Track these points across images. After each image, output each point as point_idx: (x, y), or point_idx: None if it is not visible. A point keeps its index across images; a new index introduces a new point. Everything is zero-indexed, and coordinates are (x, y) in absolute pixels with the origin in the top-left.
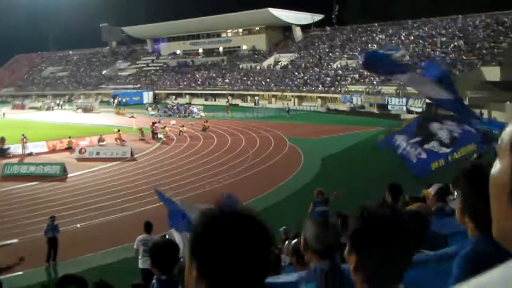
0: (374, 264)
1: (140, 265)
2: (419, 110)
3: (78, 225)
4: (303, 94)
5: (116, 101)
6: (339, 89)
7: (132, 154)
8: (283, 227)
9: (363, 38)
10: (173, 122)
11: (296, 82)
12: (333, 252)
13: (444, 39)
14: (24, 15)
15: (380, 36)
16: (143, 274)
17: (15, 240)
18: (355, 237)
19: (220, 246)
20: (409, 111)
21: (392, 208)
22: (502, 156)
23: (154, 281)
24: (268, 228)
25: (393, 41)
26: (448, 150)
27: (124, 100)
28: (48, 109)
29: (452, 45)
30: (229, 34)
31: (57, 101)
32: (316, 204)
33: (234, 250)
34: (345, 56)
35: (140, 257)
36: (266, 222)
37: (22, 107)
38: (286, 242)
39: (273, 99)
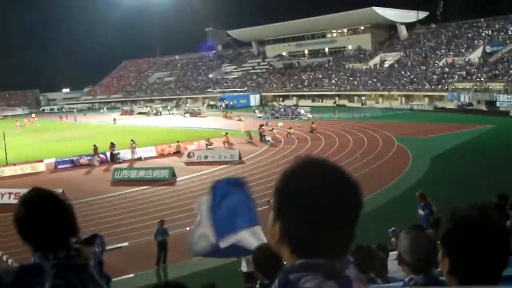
0: (466, 267)
1: (244, 269)
2: None
3: (187, 229)
4: (410, 93)
5: (223, 104)
6: (446, 87)
7: (240, 157)
8: (392, 228)
9: (469, 34)
10: (280, 124)
11: (402, 81)
12: (428, 265)
13: None
14: (130, 22)
15: (486, 32)
16: (246, 277)
17: (126, 244)
18: (446, 239)
19: (302, 203)
20: None
21: (482, 208)
22: None
23: (258, 285)
24: (355, 182)
25: (500, 37)
26: None
27: (231, 103)
28: (156, 114)
29: None
30: (334, 35)
31: (165, 106)
32: (419, 207)
33: (317, 208)
34: (451, 53)
35: (243, 261)
36: (354, 178)
37: (131, 112)
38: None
39: (380, 99)
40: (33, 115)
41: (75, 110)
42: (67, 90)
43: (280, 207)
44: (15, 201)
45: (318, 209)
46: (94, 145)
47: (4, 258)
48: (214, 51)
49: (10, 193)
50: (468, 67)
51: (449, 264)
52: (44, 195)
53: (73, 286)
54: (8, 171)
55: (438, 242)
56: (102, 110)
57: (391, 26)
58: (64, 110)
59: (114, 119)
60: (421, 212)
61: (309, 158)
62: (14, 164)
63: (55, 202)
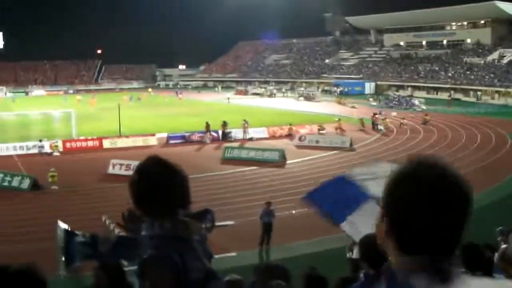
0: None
1: (354, 256)
2: None
3: (293, 212)
4: None
5: (338, 90)
6: None
7: (351, 144)
8: (500, 228)
9: None
10: (394, 113)
11: None
12: None
13: None
14: (249, 3)
15: None
16: (354, 265)
17: (232, 222)
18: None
19: (411, 202)
20: None
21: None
22: None
23: (362, 275)
24: (467, 189)
25: None
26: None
27: (345, 90)
28: (270, 95)
29: None
30: (453, 27)
31: (279, 88)
32: None
33: (426, 207)
34: None
35: (355, 247)
36: (466, 182)
37: (245, 92)
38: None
39: (496, 95)
40: (150, 89)
41: (190, 87)
42: (183, 67)
43: (390, 203)
44: (125, 172)
45: (427, 209)
46: (207, 123)
47: (111, 226)
48: (331, 37)
49: (121, 164)
50: None
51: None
52: (160, 162)
53: (170, 259)
54: (121, 143)
55: None
56: (216, 89)
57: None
58: (179, 86)
59: (228, 98)
60: None
61: (422, 159)
62: (127, 136)
63: (169, 170)
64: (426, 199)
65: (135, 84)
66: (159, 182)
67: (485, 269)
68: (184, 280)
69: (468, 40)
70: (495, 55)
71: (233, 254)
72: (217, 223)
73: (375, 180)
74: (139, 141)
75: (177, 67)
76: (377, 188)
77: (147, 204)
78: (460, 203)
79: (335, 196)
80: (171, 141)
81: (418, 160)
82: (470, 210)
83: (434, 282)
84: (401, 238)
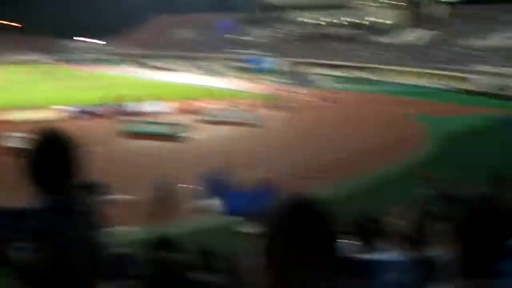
0: (474, 254)
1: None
2: None
3: (195, 186)
4: (438, 72)
5: (246, 66)
6: (473, 69)
7: (258, 120)
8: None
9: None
10: (303, 91)
11: (433, 59)
12: (422, 241)
13: None
14: None
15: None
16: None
17: (130, 196)
18: (459, 231)
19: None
20: None
21: (495, 202)
22: None
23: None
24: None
25: None
26: None
27: (254, 66)
28: (178, 70)
29: None
30: (369, 7)
31: (187, 63)
32: (427, 187)
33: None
34: (486, 35)
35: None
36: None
37: (154, 67)
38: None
39: (406, 75)
40: (53, 62)
41: (94, 61)
42: (89, 40)
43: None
44: (22, 146)
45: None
46: (112, 96)
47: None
48: (245, 13)
49: (18, 137)
50: (502, 52)
51: (459, 248)
52: (52, 133)
53: (60, 230)
54: (24, 115)
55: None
56: (122, 63)
57: (428, 3)
58: (84, 59)
59: (132, 72)
60: (429, 191)
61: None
62: (32, 108)
63: (60, 141)
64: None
65: (41, 57)
66: (50, 153)
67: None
68: (65, 250)
69: (383, 20)
70: (410, 36)
71: (131, 228)
72: (115, 196)
73: None
74: (43, 114)
75: (83, 40)
76: None
77: (39, 177)
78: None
79: None
80: (76, 114)
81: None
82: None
83: None
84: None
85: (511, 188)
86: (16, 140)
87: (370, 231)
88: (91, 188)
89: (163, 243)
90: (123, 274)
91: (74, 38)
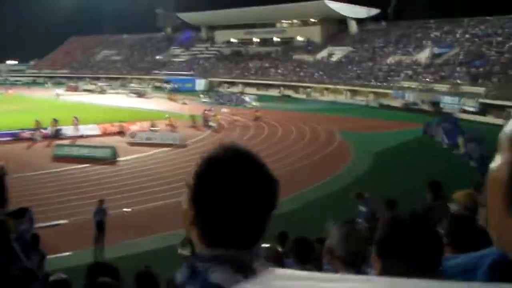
0: (397, 270)
1: (185, 252)
2: (472, 109)
3: (126, 209)
4: (356, 88)
5: (168, 87)
6: (392, 84)
7: (183, 141)
8: (332, 222)
9: (418, 34)
10: (224, 110)
11: (349, 76)
12: (360, 260)
13: (500, 38)
14: None
15: (436, 33)
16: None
17: (64, 221)
18: (381, 245)
19: (218, 187)
20: (463, 110)
21: (421, 218)
22: (501, 152)
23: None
24: (274, 178)
25: (448, 39)
26: None
27: (176, 86)
28: (101, 92)
29: (507, 45)
30: (284, 25)
31: (110, 85)
32: (363, 203)
33: (230, 193)
34: (399, 51)
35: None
36: (273, 174)
37: (76, 89)
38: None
39: (326, 92)
40: None
41: (19, 83)
42: (13, 62)
43: (196, 190)
44: None
45: (233, 198)
46: (36, 120)
47: None
48: (163, 33)
49: None
50: (415, 67)
51: (380, 267)
52: None
53: None
54: None
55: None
56: (46, 85)
57: (342, 21)
58: (8, 81)
59: (57, 94)
60: (362, 208)
61: (233, 147)
62: None
63: None
64: (233, 189)
65: None
66: None
67: (315, 262)
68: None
69: (299, 38)
70: (324, 53)
71: (68, 253)
72: (49, 223)
73: None
74: None
75: (5, 62)
76: None
77: None
78: (266, 197)
79: None
80: (0, 139)
81: (226, 146)
82: (275, 206)
83: (235, 276)
84: (204, 227)
85: (443, 194)
86: None
87: (303, 251)
88: (17, 214)
89: (100, 268)
90: None
91: None
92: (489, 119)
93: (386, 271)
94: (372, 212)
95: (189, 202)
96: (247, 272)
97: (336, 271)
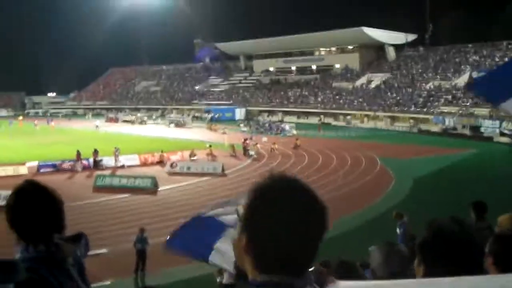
0: (439, 274)
1: (224, 281)
2: None
3: (168, 238)
4: (395, 114)
5: (208, 116)
6: (431, 110)
7: (223, 170)
8: (373, 247)
9: (457, 59)
10: (264, 139)
11: (388, 102)
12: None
13: None
14: (119, 30)
15: (474, 57)
16: None
17: (105, 250)
18: (422, 249)
19: (270, 216)
20: (502, 134)
21: (460, 222)
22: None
23: None
24: (323, 205)
25: (486, 63)
26: None
27: (216, 116)
28: (141, 123)
29: None
30: (322, 53)
31: (150, 115)
32: (397, 226)
33: (280, 221)
34: (438, 76)
35: (226, 273)
36: (322, 200)
37: (116, 120)
38: None
39: (365, 119)
40: (20, 117)
41: (60, 115)
42: (53, 94)
43: (248, 219)
44: None
45: (283, 226)
46: (77, 151)
47: None
48: (201, 63)
49: None
50: (454, 92)
51: (424, 272)
52: (37, 186)
53: (45, 280)
54: None
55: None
56: (86, 116)
57: (380, 47)
58: (49, 114)
59: (97, 126)
60: (398, 230)
61: (282, 176)
62: None
63: (46, 195)
64: (284, 217)
65: (3, 112)
66: (35, 205)
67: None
68: None
69: (337, 65)
70: (363, 80)
71: (108, 282)
72: (90, 252)
73: (228, 210)
74: (9, 170)
75: (47, 94)
76: (231, 217)
77: (23, 227)
78: (316, 224)
79: (196, 234)
80: (42, 170)
81: (275, 175)
82: (325, 232)
83: None
84: (257, 254)
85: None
86: None
87: (347, 274)
88: (74, 239)
89: None
90: None
91: (35, 94)
92: None
93: (428, 276)
94: (409, 233)
95: (241, 230)
96: None
97: None
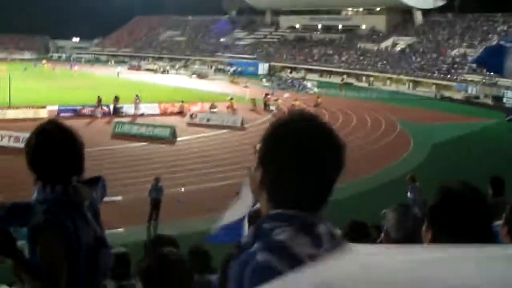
0: (447, 238)
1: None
2: None
3: (182, 189)
4: (419, 79)
5: (231, 69)
6: (455, 77)
7: (242, 124)
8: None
9: (484, 28)
10: (286, 95)
11: (412, 67)
12: (414, 241)
13: None
14: None
15: (502, 27)
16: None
17: (119, 198)
18: (431, 211)
19: (285, 151)
20: None
21: (472, 187)
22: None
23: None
24: (341, 143)
25: None
26: None
27: (239, 70)
28: (163, 72)
29: None
30: (349, 13)
31: (173, 65)
32: (409, 190)
33: (297, 154)
34: (464, 44)
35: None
36: (340, 138)
37: (138, 68)
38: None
39: (388, 81)
40: (44, 61)
41: (83, 60)
42: (77, 39)
43: (265, 154)
44: (14, 145)
45: (300, 161)
46: (98, 97)
47: None
48: (227, 16)
49: (10, 136)
50: None
51: (432, 236)
52: (60, 126)
53: (62, 224)
54: (10, 114)
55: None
56: (109, 63)
57: (407, 11)
58: (72, 59)
59: (118, 73)
60: (410, 195)
61: (302, 112)
62: (17, 107)
63: (69, 135)
64: (301, 152)
65: (27, 55)
66: (58, 145)
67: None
68: (75, 244)
69: (363, 26)
70: (388, 42)
71: (121, 229)
72: (105, 199)
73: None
74: (29, 113)
75: (71, 39)
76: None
77: (42, 167)
78: (333, 161)
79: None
80: (62, 114)
81: (294, 112)
82: (341, 170)
83: (297, 235)
84: (272, 188)
85: (504, 192)
86: (12, 139)
87: (358, 234)
88: (92, 182)
89: (161, 240)
90: (122, 273)
91: (59, 38)
92: None
93: (436, 240)
94: (421, 198)
95: (257, 164)
96: (311, 234)
97: None
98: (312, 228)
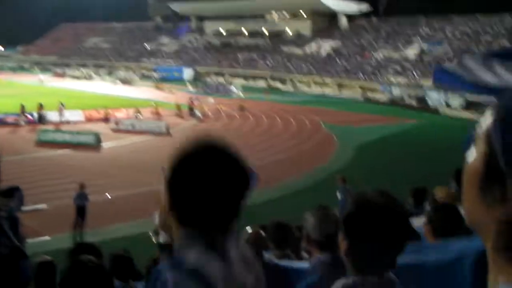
0: (363, 250)
1: (161, 240)
2: (457, 105)
3: (108, 195)
4: (343, 81)
5: (156, 75)
6: (380, 79)
7: (167, 129)
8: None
9: (408, 31)
10: (211, 100)
11: (337, 70)
12: (336, 242)
13: (488, 37)
14: None
15: (425, 30)
16: (161, 248)
17: (44, 205)
18: (347, 221)
19: (191, 177)
20: (448, 105)
21: (388, 195)
22: (478, 144)
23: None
24: (246, 168)
25: (437, 35)
26: None
27: (164, 75)
28: (88, 79)
29: (496, 44)
30: (274, 18)
31: (97, 72)
32: (341, 191)
33: (204, 183)
34: (388, 47)
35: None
36: (246, 163)
37: (63, 75)
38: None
39: (313, 85)
40: None
41: (6, 67)
42: (0, 47)
43: (171, 182)
44: None
45: (202, 189)
46: (21, 104)
47: None
48: (153, 22)
49: None
50: (403, 63)
51: (347, 246)
52: None
53: None
54: None
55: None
56: (33, 70)
57: (332, 16)
58: None
59: (41, 80)
60: (339, 196)
61: (205, 141)
62: None
63: None
64: (204, 176)
65: None
66: None
67: (294, 248)
68: None
69: (288, 31)
70: (313, 47)
71: (47, 238)
72: (29, 207)
73: None
74: None
75: None
76: None
77: None
78: (235, 182)
79: None
80: None
81: (198, 140)
82: (245, 191)
83: (207, 255)
84: (179, 213)
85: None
86: None
87: (282, 236)
88: (7, 192)
89: (82, 248)
90: (45, 282)
91: None
92: (474, 115)
93: (351, 251)
94: (348, 201)
95: (165, 190)
96: (220, 252)
97: (311, 254)
98: (220, 247)
